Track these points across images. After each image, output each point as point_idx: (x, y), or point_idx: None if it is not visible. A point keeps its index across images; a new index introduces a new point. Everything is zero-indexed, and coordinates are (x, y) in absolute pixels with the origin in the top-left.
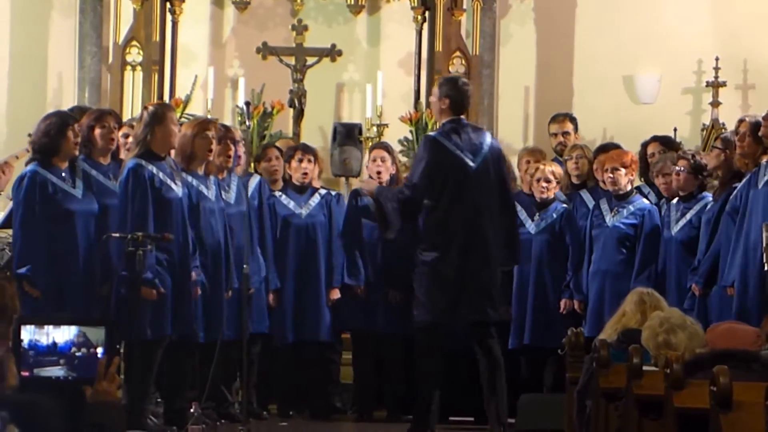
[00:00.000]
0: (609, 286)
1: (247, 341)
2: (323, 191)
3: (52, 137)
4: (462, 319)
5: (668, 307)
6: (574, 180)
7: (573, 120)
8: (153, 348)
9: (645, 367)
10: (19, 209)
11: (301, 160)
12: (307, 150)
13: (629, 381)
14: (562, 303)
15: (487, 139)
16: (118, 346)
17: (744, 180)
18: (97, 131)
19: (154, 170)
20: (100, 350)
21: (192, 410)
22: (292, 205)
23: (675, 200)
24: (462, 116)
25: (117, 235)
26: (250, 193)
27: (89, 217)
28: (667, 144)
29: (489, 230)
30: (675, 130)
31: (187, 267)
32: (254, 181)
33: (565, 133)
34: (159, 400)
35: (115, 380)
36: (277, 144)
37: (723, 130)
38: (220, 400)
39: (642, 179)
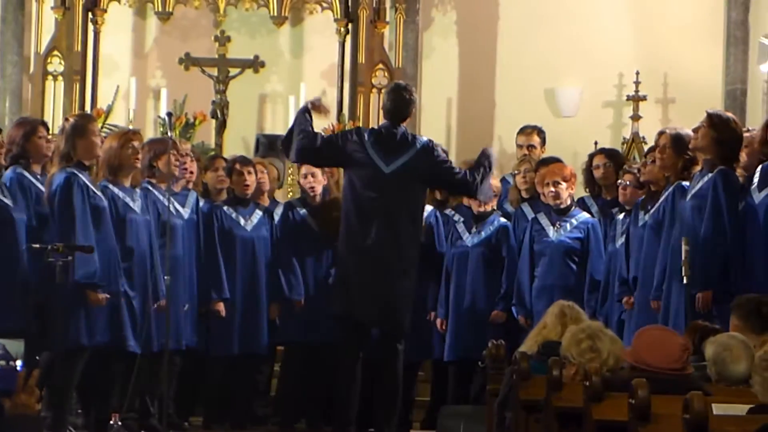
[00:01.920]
0: (558, 300)
1: (171, 352)
2: (264, 206)
3: None
4: (361, 320)
5: (587, 319)
6: (524, 194)
7: (541, 133)
8: (74, 359)
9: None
10: None
11: (241, 173)
12: (245, 162)
13: (549, 393)
14: (494, 314)
15: (418, 144)
16: (37, 357)
17: (668, 192)
18: (36, 141)
19: (85, 180)
20: (19, 363)
21: (112, 422)
22: (237, 217)
23: (622, 215)
24: (399, 123)
25: (38, 245)
26: (191, 207)
27: (22, 226)
28: (613, 156)
29: (393, 239)
30: (596, 143)
31: (115, 277)
32: (192, 197)
33: (531, 146)
34: (79, 410)
35: (34, 393)
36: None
37: (643, 144)
38: (141, 412)
39: (587, 190)
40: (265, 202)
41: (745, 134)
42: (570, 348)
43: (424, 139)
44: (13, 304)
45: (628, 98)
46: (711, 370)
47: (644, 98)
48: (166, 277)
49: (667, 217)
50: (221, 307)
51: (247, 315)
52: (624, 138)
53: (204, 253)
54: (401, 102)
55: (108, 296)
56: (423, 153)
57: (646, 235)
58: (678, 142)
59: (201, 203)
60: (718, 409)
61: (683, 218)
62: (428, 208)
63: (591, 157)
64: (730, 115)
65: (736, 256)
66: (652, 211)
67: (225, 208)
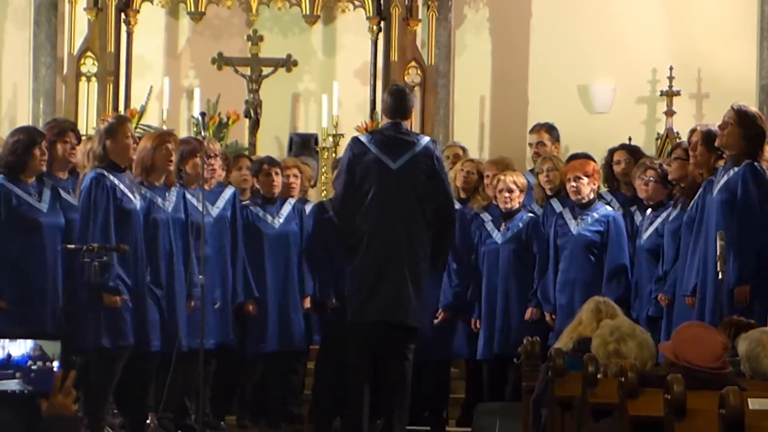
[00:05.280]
0: (578, 294)
1: (205, 352)
2: (293, 200)
3: (19, 155)
4: (370, 319)
5: (622, 316)
6: (548, 192)
7: (550, 130)
8: (112, 360)
9: None
10: None
11: (268, 174)
12: (273, 163)
13: (584, 389)
14: (528, 311)
15: (422, 142)
16: (75, 359)
17: (700, 189)
18: (59, 146)
19: (116, 181)
20: (56, 364)
21: (149, 421)
22: (263, 215)
23: (648, 211)
24: (400, 121)
25: (72, 246)
26: (223, 204)
27: (55, 230)
28: (634, 153)
29: (405, 234)
30: (630, 139)
31: (143, 278)
32: (228, 192)
33: (540, 143)
34: (116, 411)
35: (71, 394)
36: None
37: (677, 139)
38: (178, 412)
39: (606, 186)
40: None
41: None
42: (598, 349)
43: (426, 138)
44: (56, 307)
45: (662, 94)
46: (744, 366)
47: (678, 93)
48: (200, 277)
49: (699, 214)
50: (252, 307)
51: (282, 312)
52: (658, 134)
53: (231, 253)
54: (402, 99)
55: (125, 298)
56: (425, 151)
57: (682, 232)
58: (710, 139)
59: (224, 200)
60: (754, 404)
61: (710, 213)
62: (456, 205)
63: (611, 152)
64: (755, 110)
65: None
66: (688, 208)
67: (251, 207)
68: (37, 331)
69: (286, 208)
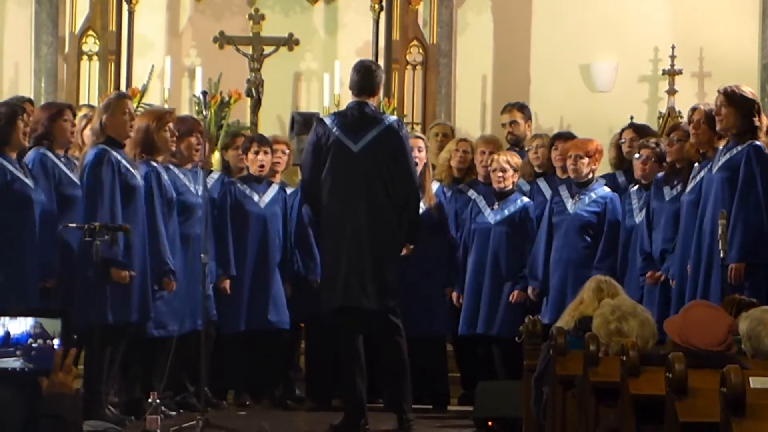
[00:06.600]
0: (571, 273)
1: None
2: (277, 185)
3: (2, 128)
4: (337, 305)
5: (623, 295)
6: (536, 168)
7: (522, 109)
8: (116, 337)
9: None
10: None
11: (257, 152)
12: (263, 141)
13: (586, 368)
14: (514, 294)
15: (387, 121)
16: (75, 336)
17: (702, 167)
18: (60, 124)
19: (118, 156)
20: (56, 341)
21: (150, 400)
22: (250, 193)
23: (635, 188)
24: (367, 98)
25: (74, 225)
26: (211, 185)
27: (40, 207)
28: (642, 132)
29: (369, 217)
30: (632, 118)
31: (144, 256)
32: (216, 174)
33: (513, 123)
34: (117, 389)
35: (72, 371)
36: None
37: (679, 118)
38: (178, 390)
39: (613, 167)
40: (277, 181)
41: None
42: (599, 328)
43: (392, 117)
44: (32, 284)
45: (664, 72)
46: (746, 344)
47: (680, 72)
48: (202, 256)
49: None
50: (227, 284)
51: (255, 291)
52: (660, 112)
53: (216, 230)
54: (369, 75)
55: (134, 274)
56: (389, 130)
57: (685, 211)
58: (712, 117)
59: (213, 180)
60: (755, 382)
61: (709, 191)
62: (435, 184)
63: (621, 132)
64: (741, 86)
65: None
66: (690, 186)
67: (239, 184)
68: (38, 308)
69: (273, 190)
